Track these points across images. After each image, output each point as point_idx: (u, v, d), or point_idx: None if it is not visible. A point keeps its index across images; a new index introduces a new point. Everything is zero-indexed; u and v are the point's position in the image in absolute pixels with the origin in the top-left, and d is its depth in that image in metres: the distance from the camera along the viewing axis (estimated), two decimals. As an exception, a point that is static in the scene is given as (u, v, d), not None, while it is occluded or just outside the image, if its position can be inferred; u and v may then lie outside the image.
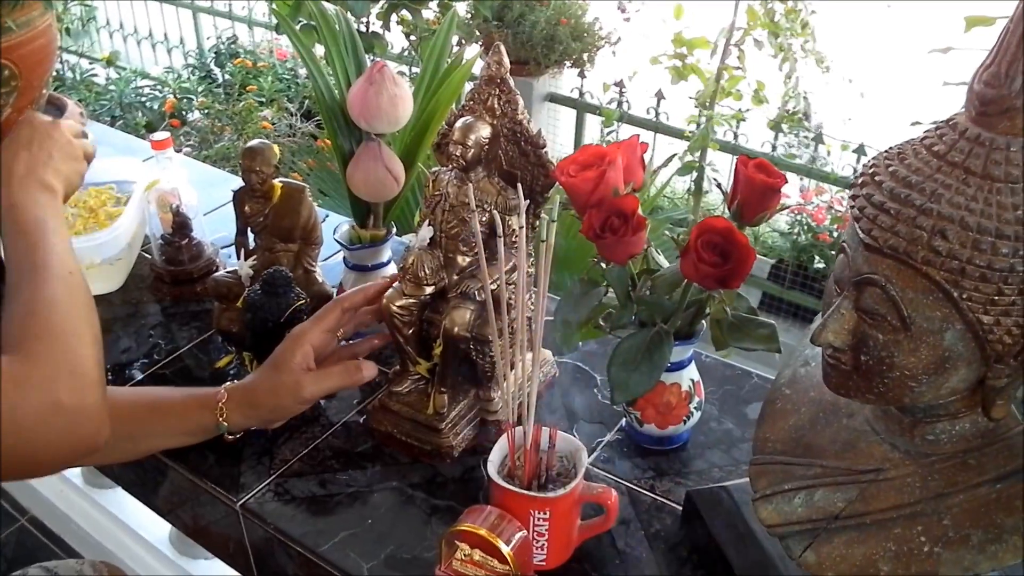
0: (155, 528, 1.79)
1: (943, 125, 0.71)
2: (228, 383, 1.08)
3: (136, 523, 1.83)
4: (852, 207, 0.72)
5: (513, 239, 1.01)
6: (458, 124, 1.04)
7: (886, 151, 0.73)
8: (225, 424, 1.05)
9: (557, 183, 1.01)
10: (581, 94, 4.34)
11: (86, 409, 0.84)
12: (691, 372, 1.09)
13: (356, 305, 1.11)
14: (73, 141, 1.08)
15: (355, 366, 1.09)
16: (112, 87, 4.76)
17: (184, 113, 4.44)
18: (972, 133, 0.69)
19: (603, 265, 1.01)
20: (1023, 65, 0.66)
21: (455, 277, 1.07)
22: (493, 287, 0.97)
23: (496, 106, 1.06)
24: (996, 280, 0.66)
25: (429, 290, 1.07)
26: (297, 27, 2.49)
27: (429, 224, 1.08)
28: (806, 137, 3.86)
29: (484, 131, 1.04)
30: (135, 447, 1.08)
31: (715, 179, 3.41)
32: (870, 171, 0.72)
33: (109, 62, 5.18)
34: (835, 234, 3.94)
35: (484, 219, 1.02)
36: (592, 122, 4.39)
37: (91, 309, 0.92)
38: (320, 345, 1.08)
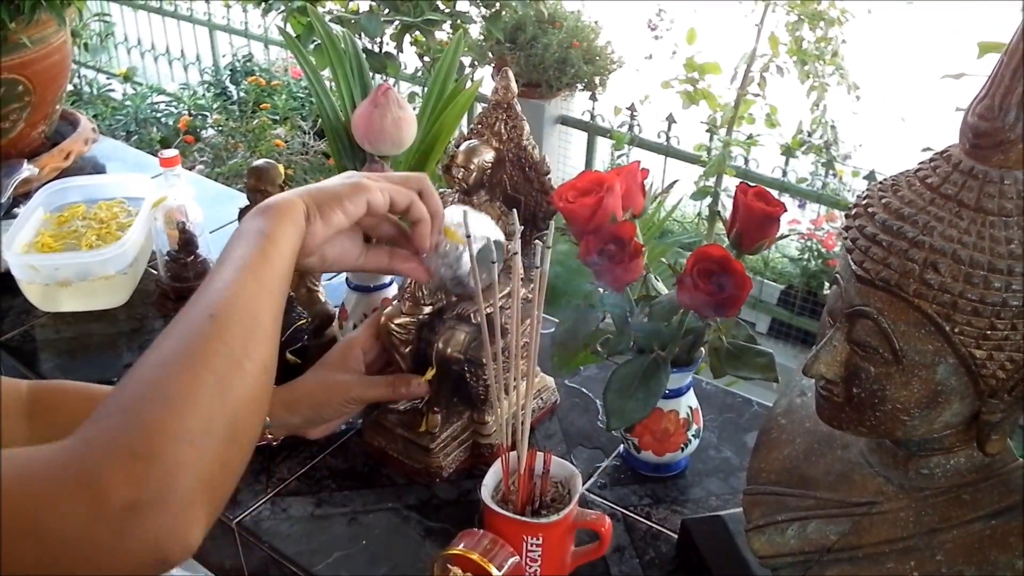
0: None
1: (937, 157, 0.71)
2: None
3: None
4: (845, 238, 0.72)
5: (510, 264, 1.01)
6: (462, 147, 1.05)
7: (880, 182, 0.73)
8: (267, 419, 1.05)
9: (559, 209, 1.02)
10: (592, 117, 4.36)
11: (157, 502, 0.60)
12: (689, 399, 1.09)
13: None
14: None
15: (404, 380, 1.09)
16: (128, 102, 4.79)
17: (198, 129, 4.47)
18: (966, 166, 0.69)
19: (601, 291, 1.01)
20: (1016, 98, 0.66)
21: (453, 299, 1.07)
22: (489, 311, 0.97)
23: (503, 131, 1.07)
24: (988, 314, 0.66)
25: (427, 310, 1.07)
26: (311, 47, 2.51)
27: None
28: (821, 163, 3.87)
29: (487, 155, 1.04)
30: None
31: (719, 210, 3.42)
32: (863, 202, 0.72)
33: (126, 77, 5.22)
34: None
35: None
36: (603, 145, 4.40)
37: (228, 367, 0.70)
38: (368, 348, 1.10)
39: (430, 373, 1.08)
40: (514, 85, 1.07)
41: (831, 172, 3.92)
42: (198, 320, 0.72)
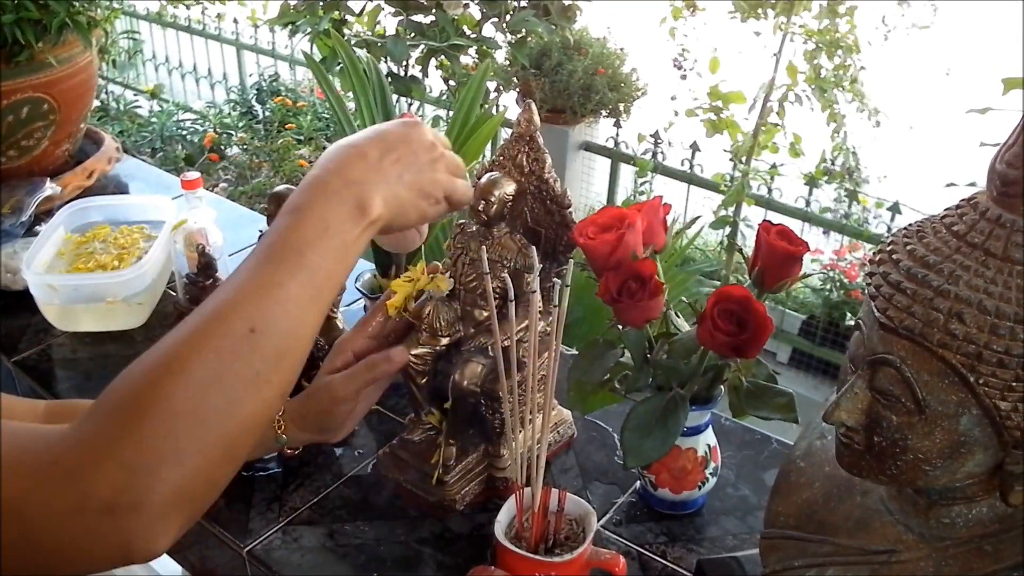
0: (169, 565, 1.79)
1: (964, 204, 0.70)
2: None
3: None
4: (868, 284, 0.71)
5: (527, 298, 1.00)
6: (483, 179, 1.04)
7: (905, 228, 0.72)
8: (284, 437, 1.05)
9: (579, 243, 1.01)
10: (616, 143, 4.36)
11: (132, 509, 0.61)
12: (708, 437, 1.08)
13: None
14: (443, 165, 0.86)
15: (380, 356, 1.03)
16: (154, 119, 4.84)
17: (223, 148, 4.50)
18: (993, 214, 0.67)
19: (620, 328, 1.00)
20: (1046, 148, 0.65)
21: (471, 330, 1.07)
22: (506, 343, 0.96)
23: (524, 163, 1.07)
24: (1014, 366, 0.64)
25: (445, 341, 1.06)
26: (336, 69, 2.52)
27: (450, 276, 1.07)
28: (844, 193, 3.86)
29: (508, 187, 1.04)
30: None
31: (739, 246, 3.40)
32: (888, 248, 0.71)
33: (153, 94, 5.28)
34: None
35: (502, 276, 1.01)
36: (627, 172, 4.39)
37: (245, 387, 0.67)
38: (363, 351, 1.05)
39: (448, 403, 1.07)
40: (537, 118, 1.06)
41: (855, 202, 3.91)
42: (234, 331, 0.67)
